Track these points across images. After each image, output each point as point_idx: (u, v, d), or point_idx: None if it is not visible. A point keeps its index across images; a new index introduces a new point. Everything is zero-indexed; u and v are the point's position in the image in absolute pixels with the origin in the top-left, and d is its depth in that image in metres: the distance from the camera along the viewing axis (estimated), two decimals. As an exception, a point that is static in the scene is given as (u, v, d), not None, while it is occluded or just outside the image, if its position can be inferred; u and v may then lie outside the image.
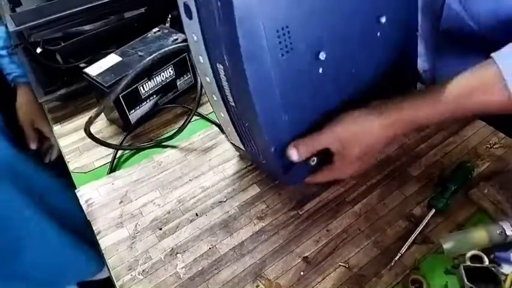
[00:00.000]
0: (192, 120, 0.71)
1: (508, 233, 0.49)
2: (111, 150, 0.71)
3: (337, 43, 0.48)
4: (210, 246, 0.55)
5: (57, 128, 0.78)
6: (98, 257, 1.11)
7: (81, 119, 0.78)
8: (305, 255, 0.53)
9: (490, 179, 0.57)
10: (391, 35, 0.55)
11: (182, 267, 0.53)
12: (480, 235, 0.50)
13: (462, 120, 0.68)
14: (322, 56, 0.47)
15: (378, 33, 0.53)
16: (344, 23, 0.48)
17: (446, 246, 0.50)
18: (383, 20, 0.52)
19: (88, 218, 0.60)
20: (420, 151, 0.64)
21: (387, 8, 0.52)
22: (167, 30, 0.76)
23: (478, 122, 0.67)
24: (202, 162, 0.67)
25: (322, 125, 0.52)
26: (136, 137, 0.74)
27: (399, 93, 0.52)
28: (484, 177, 0.59)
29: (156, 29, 0.77)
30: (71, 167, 0.69)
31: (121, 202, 0.62)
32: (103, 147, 0.70)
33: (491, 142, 0.64)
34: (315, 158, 0.56)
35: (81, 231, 1.04)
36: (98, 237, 0.58)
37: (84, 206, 0.62)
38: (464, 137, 0.66)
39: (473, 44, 0.61)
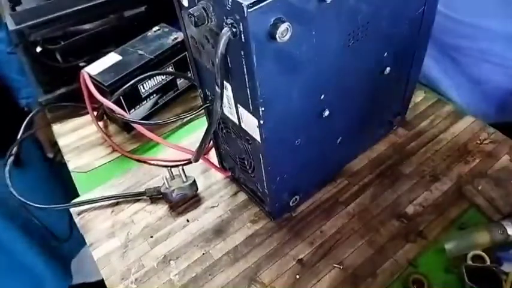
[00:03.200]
0: (184, 120, 0.71)
1: (510, 232, 0.48)
2: (110, 150, 0.70)
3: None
4: (204, 252, 0.55)
5: (56, 127, 0.77)
6: (63, 270, 1.12)
7: (81, 118, 0.77)
8: (299, 257, 0.53)
9: (485, 176, 0.57)
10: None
11: (175, 275, 0.53)
12: (482, 235, 0.49)
13: (452, 116, 0.68)
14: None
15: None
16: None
17: (448, 246, 0.49)
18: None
19: (81, 231, 0.60)
20: (411, 149, 0.64)
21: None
22: (167, 29, 0.76)
23: (468, 118, 0.67)
24: (193, 166, 0.66)
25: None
26: (137, 136, 0.72)
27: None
28: (475, 174, 0.59)
29: (156, 27, 0.77)
30: (71, 166, 0.69)
31: (112, 212, 0.61)
32: (102, 147, 0.70)
33: (481, 138, 0.64)
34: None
35: (46, 243, 1.06)
36: (90, 249, 0.57)
37: (77, 220, 0.61)
38: (454, 134, 0.66)
39: None
